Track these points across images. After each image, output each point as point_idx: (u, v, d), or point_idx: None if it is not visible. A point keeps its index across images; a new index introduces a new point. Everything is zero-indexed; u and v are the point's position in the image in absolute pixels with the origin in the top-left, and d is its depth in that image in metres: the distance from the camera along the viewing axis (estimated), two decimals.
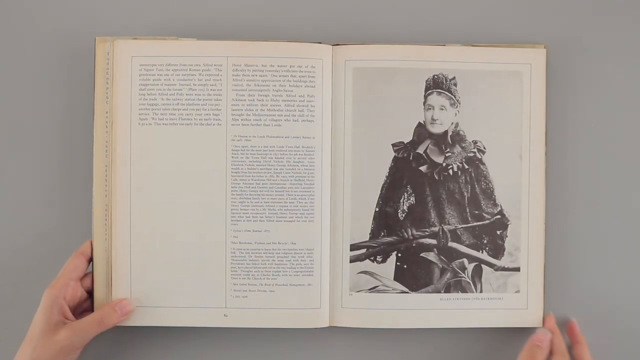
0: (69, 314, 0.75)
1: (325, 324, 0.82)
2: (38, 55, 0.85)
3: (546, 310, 0.83)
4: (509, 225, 0.83)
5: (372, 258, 0.83)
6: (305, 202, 0.80)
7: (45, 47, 0.85)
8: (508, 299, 0.83)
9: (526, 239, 0.83)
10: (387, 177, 0.83)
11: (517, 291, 0.83)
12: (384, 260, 0.83)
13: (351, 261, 0.83)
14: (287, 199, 0.80)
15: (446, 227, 0.83)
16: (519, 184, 0.83)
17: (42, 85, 0.85)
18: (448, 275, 0.83)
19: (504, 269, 0.83)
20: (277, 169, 0.80)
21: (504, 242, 0.83)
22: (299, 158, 0.80)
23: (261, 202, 0.80)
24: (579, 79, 0.87)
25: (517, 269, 0.83)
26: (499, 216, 0.84)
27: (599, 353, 0.84)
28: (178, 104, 0.80)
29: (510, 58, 0.83)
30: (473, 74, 0.83)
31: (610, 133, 0.88)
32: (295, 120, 0.80)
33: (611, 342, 0.87)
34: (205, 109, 0.80)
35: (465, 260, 0.84)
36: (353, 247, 0.83)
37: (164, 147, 0.80)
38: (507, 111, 0.83)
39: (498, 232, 0.83)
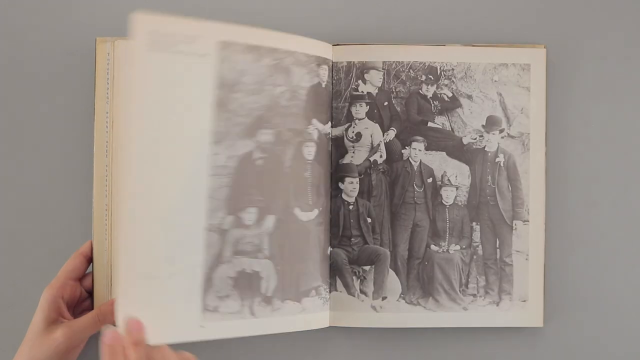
0: (67, 314, 0.75)
1: (326, 324, 0.82)
2: (38, 55, 0.85)
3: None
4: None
5: None
6: None
7: (46, 48, 0.85)
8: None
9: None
10: None
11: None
12: None
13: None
14: None
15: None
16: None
17: (42, 85, 0.84)
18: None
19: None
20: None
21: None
22: None
23: None
24: (578, 80, 0.89)
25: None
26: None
27: (599, 353, 0.86)
28: None
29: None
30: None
31: (610, 133, 0.89)
32: None
33: (611, 343, 0.88)
34: None
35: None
36: None
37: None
38: None
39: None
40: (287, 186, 0.79)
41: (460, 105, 0.85)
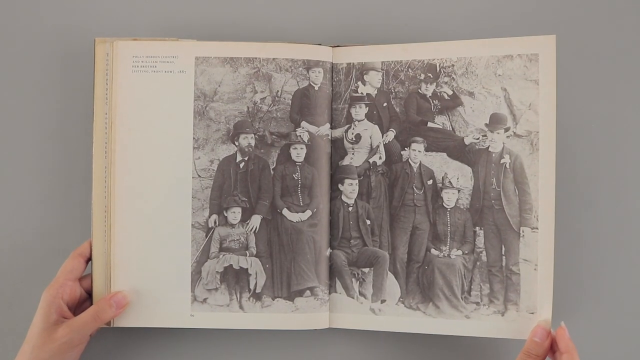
0: (68, 313, 0.78)
1: (325, 325, 0.84)
2: (37, 56, 0.88)
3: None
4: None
5: None
6: None
7: (45, 48, 0.88)
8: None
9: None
10: None
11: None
12: None
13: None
14: None
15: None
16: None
17: (41, 86, 0.88)
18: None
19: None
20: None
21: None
22: None
23: None
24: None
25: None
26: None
27: None
28: None
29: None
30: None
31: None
32: None
33: (613, 344, 0.83)
34: None
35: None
36: None
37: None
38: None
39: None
40: (273, 187, 0.82)
41: (461, 104, 0.82)
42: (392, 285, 0.83)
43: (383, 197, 0.84)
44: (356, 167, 0.84)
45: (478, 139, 0.82)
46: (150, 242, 0.82)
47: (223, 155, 0.83)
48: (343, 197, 0.85)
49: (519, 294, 0.80)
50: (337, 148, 0.85)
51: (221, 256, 0.83)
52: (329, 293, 0.84)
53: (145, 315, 0.82)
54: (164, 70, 0.82)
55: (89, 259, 0.82)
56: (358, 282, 0.84)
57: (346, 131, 0.85)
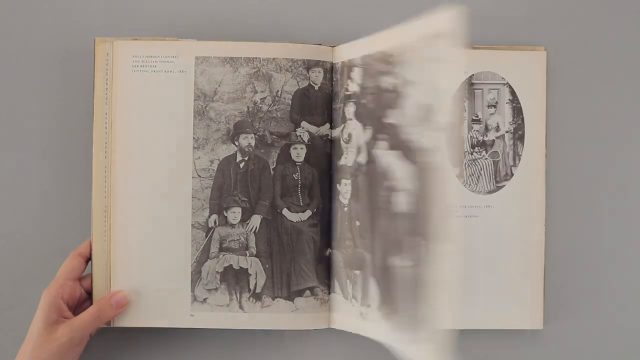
0: (68, 313, 0.79)
1: (324, 326, 0.85)
2: (37, 56, 0.89)
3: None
4: None
5: None
6: None
7: (45, 48, 0.89)
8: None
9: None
10: None
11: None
12: None
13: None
14: None
15: None
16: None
17: (41, 86, 0.89)
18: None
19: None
20: None
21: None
22: None
23: None
24: (578, 81, 0.87)
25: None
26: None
27: (599, 355, 0.84)
28: None
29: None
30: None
31: (610, 134, 0.86)
32: None
33: (611, 345, 0.85)
34: None
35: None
36: None
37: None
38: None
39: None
40: (273, 187, 0.82)
41: None
42: (374, 290, 0.81)
43: (366, 199, 0.83)
44: (349, 167, 0.84)
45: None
46: (150, 242, 0.83)
47: (223, 155, 0.84)
48: (340, 197, 0.85)
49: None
50: (336, 148, 0.85)
51: (221, 256, 0.84)
52: (329, 293, 0.85)
53: (145, 315, 0.83)
54: (164, 70, 0.83)
55: (89, 259, 0.83)
56: (352, 284, 0.84)
57: (342, 130, 0.85)
